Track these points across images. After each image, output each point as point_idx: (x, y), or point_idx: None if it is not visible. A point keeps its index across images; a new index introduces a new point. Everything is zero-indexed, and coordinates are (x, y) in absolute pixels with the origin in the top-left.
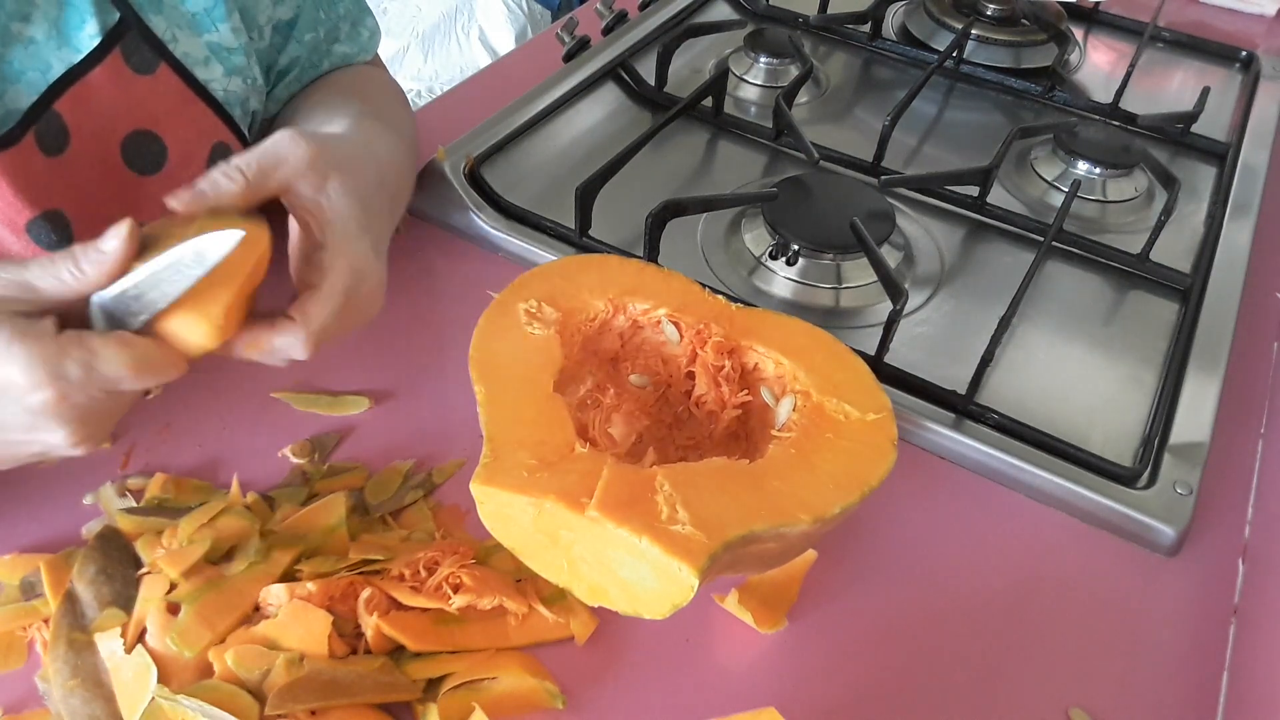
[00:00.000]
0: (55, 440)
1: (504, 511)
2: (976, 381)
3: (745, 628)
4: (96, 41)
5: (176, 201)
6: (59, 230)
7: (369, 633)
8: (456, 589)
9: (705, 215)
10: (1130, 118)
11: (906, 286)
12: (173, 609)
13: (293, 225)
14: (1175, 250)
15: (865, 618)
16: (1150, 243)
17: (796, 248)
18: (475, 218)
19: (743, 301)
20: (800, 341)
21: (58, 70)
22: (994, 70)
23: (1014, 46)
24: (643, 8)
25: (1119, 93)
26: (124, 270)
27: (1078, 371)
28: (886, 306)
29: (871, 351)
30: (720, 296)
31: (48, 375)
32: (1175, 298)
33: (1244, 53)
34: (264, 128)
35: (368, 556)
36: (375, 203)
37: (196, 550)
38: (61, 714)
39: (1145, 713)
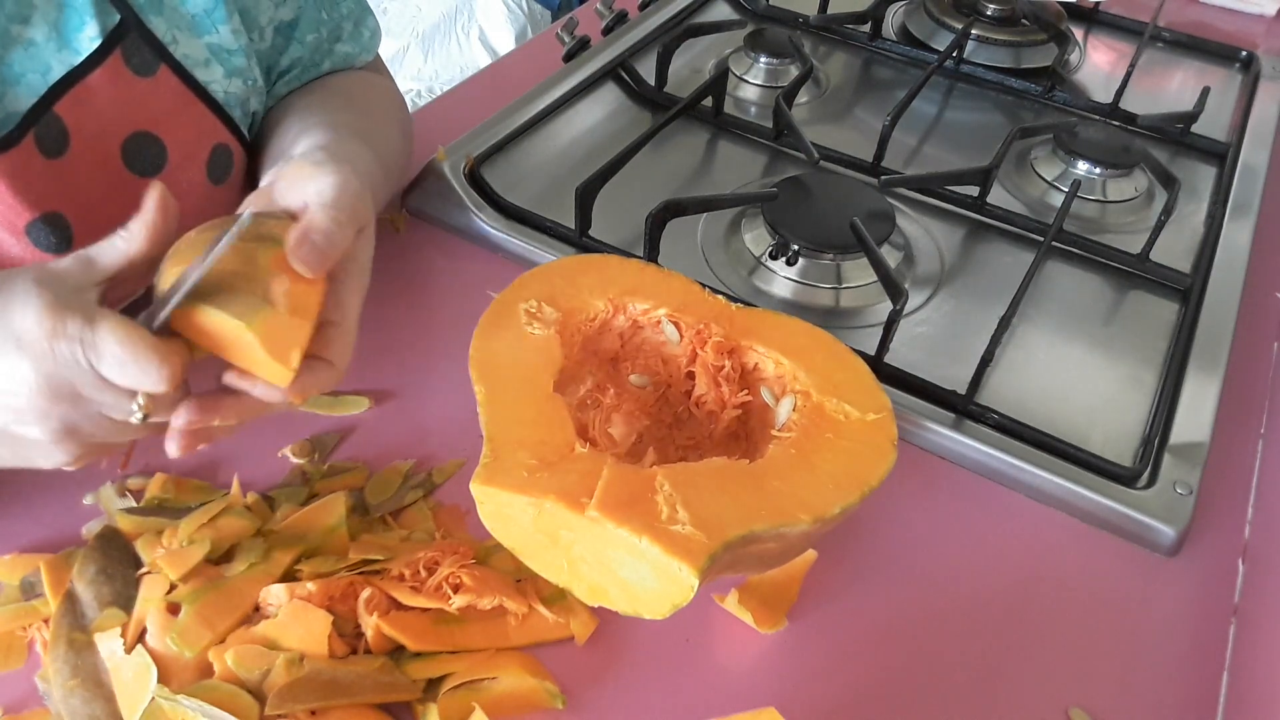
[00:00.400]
0: (21, 398)
1: (504, 511)
2: (976, 381)
3: (745, 628)
4: (97, 44)
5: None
6: (59, 232)
7: (369, 633)
8: (456, 589)
9: (705, 215)
10: (1130, 118)
11: (906, 286)
12: (173, 609)
13: None
14: (1175, 250)
15: (865, 618)
16: (1150, 243)
17: (796, 248)
18: (475, 218)
19: (743, 301)
20: (800, 341)
21: (58, 72)
22: (994, 70)
23: (1014, 46)
24: (643, 8)
25: (1119, 93)
26: (165, 226)
27: (1078, 371)
28: (886, 306)
29: (871, 351)
30: (720, 296)
31: (49, 317)
32: (1175, 298)
33: (1244, 53)
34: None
35: (368, 556)
36: None
37: (196, 550)
38: (61, 714)
39: (1145, 713)
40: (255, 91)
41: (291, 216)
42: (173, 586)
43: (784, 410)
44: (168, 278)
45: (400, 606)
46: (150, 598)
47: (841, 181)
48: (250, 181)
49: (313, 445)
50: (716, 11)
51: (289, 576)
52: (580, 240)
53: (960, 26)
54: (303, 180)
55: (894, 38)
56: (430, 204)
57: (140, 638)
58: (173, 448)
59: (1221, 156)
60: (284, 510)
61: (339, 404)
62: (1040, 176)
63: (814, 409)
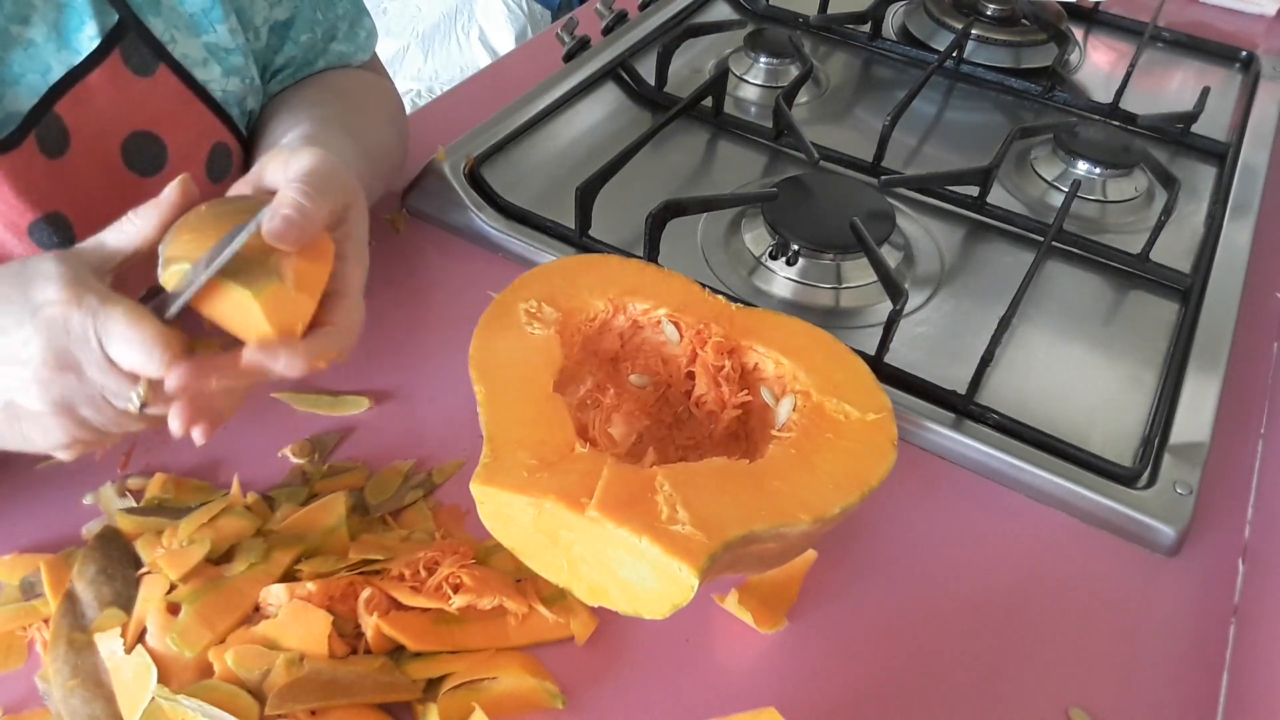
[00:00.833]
0: (28, 371)
1: (504, 511)
2: (976, 381)
3: (745, 628)
4: (96, 43)
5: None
6: (61, 232)
7: (369, 633)
8: (456, 589)
9: (705, 215)
10: (1130, 118)
11: (906, 286)
12: (173, 609)
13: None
14: (1175, 250)
15: (865, 618)
16: (1150, 243)
17: (796, 248)
18: (475, 218)
19: (743, 301)
20: (800, 341)
21: (57, 72)
22: (994, 70)
23: (1014, 46)
24: (643, 8)
25: (1119, 93)
26: (170, 218)
27: (1078, 371)
28: (886, 306)
29: (871, 351)
30: (720, 296)
31: (68, 291)
32: (1175, 298)
33: (1244, 53)
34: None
35: (368, 556)
36: None
37: (196, 551)
38: (61, 714)
39: (1145, 713)
40: (252, 90)
41: (264, 191)
42: (173, 586)
43: (784, 410)
44: (173, 251)
45: (400, 606)
46: (150, 598)
47: (841, 181)
48: None
49: (313, 445)
50: (716, 11)
51: (289, 576)
52: (580, 240)
53: (960, 26)
54: (278, 164)
55: (894, 38)
56: (430, 204)
57: (140, 638)
58: (175, 424)
59: (1221, 156)
60: (284, 510)
61: (339, 404)
62: (1040, 176)
63: (814, 409)
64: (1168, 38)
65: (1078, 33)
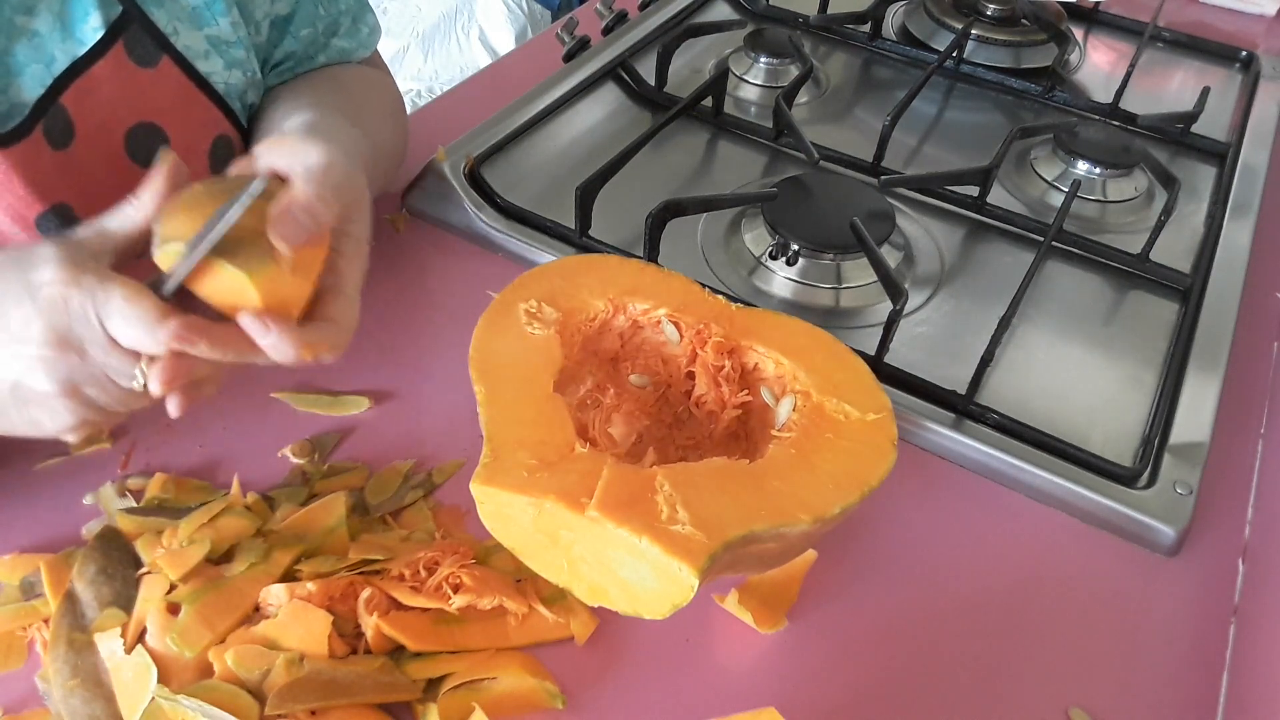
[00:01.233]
0: (31, 348)
1: (504, 511)
2: (976, 381)
3: (745, 628)
4: (100, 34)
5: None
6: (67, 224)
7: (369, 633)
8: (456, 589)
9: (705, 215)
10: (1130, 118)
11: (906, 286)
12: (173, 609)
13: None
14: (1175, 250)
15: (865, 618)
16: (1150, 243)
17: (796, 248)
18: (475, 218)
19: (743, 301)
20: (800, 341)
21: (62, 63)
22: (994, 70)
23: (1014, 46)
24: (643, 8)
25: (1119, 93)
26: (171, 190)
27: (1078, 371)
28: (886, 306)
29: (871, 351)
30: (720, 296)
31: (66, 272)
32: (1175, 298)
33: (1244, 53)
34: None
35: (368, 556)
36: None
37: (196, 551)
38: (61, 714)
39: (1145, 713)
40: (253, 84)
41: (280, 179)
42: (173, 586)
43: (784, 410)
44: (167, 230)
45: (400, 606)
46: (150, 598)
47: (841, 181)
48: None
49: (313, 445)
50: (716, 11)
51: (289, 576)
52: (580, 240)
53: (960, 26)
54: (287, 148)
55: (894, 38)
56: (430, 204)
57: (140, 638)
58: (155, 384)
59: (1221, 156)
60: (284, 510)
61: (339, 404)
62: (1040, 176)
63: (814, 409)
64: (1168, 38)
65: (1078, 33)
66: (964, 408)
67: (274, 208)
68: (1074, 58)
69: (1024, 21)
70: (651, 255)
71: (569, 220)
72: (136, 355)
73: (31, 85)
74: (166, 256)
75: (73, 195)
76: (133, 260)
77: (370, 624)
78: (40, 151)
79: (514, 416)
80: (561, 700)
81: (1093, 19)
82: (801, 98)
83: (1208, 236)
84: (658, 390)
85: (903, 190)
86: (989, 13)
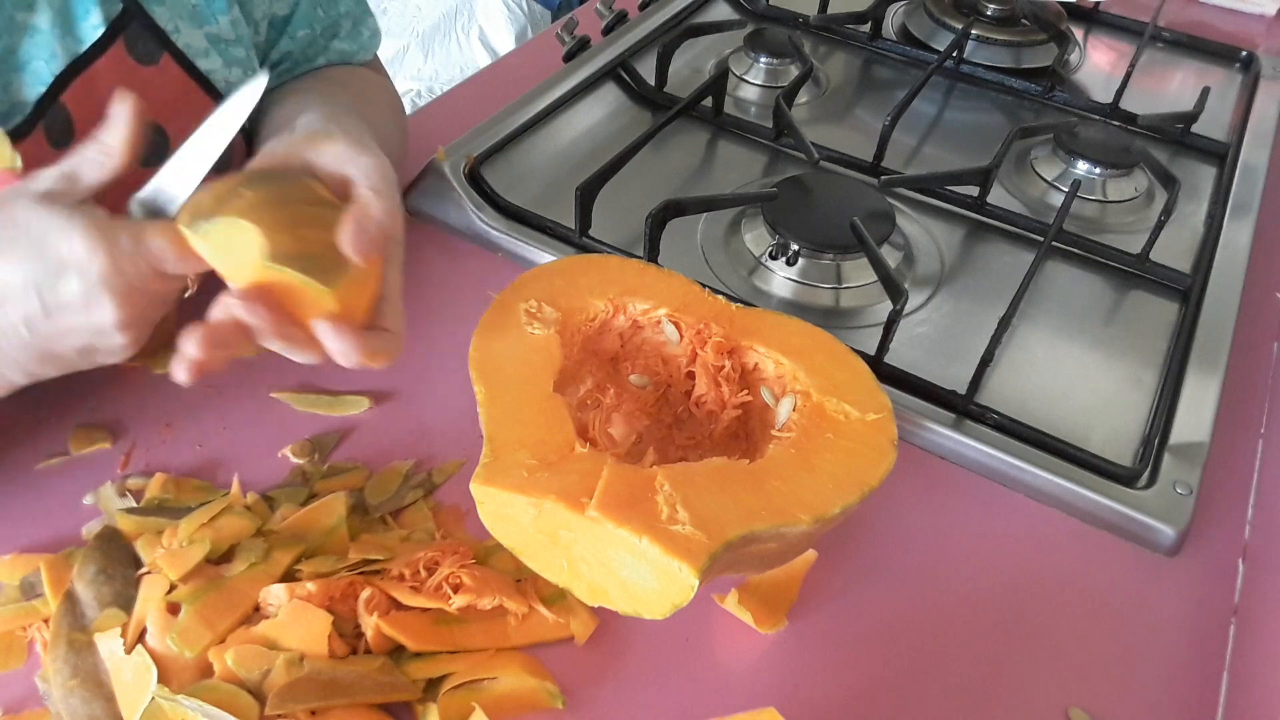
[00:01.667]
0: (106, 319)
1: (504, 511)
2: (976, 381)
3: (745, 628)
4: (100, 31)
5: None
6: None
7: (369, 633)
8: (456, 589)
9: (705, 215)
10: (1130, 118)
11: (906, 286)
12: (173, 609)
13: None
14: (1175, 250)
15: (865, 618)
16: (1150, 243)
17: (796, 248)
18: (475, 218)
19: (743, 301)
20: (800, 341)
21: (62, 59)
22: (994, 70)
23: (1014, 46)
24: (643, 8)
25: (1119, 93)
26: (137, 135)
27: (1078, 371)
28: (886, 306)
29: (871, 351)
30: (720, 296)
31: (103, 242)
32: (1175, 298)
33: (1244, 53)
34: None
35: (368, 556)
36: None
37: (196, 551)
38: (61, 714)
39: (1145, 713)
40: None
41: (312, 174)
42: (173, 586)
43: (784, 410)
44: (199, 209)
45: (400, 606)
46: (150, 598)
47: (841, 181)
48: None
49: (313, 445)
50: (716, 11)
51: (289, 576)
52: (580, 240)
53: (960, 26)
54: (335, 151)
55: (894, 38)
56: (430, 204)
57: (140, 638)
58: (191, 347)
59: (1221, 156)
60: (284, 510)
61: (339, 404)
62: (1040, 176)
63: (814, 409)
64: (1168, 38)
65: (1078, 33)
66: (964, 408)
67: (346, 224)
68: (1074, 58)
69: (1024, 21)
70: (651, 255)
71: (569, 220)
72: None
73: (33, 82)
74: (206, 237)
75: None
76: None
77: (370, 624)
78: (40, 151)
79: (514, 416)
80: (561, 700)
81: (1093, 19)
82: (801, 98)
83: (1208, 236)
84: (658, 390)
85: (903, 190)
86: (989, 13)
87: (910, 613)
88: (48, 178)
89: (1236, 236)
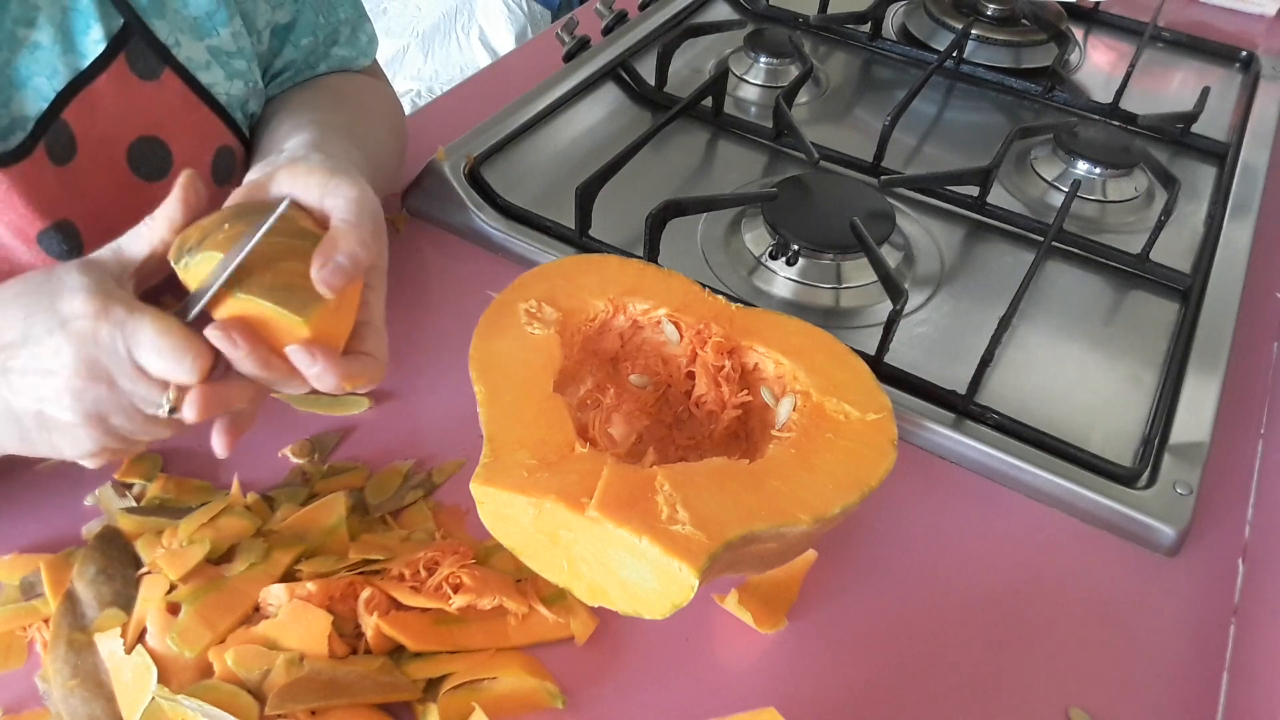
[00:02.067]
0: (59, 382)
1: (504, 511)
2: (976, 381)
3: (745, 628)
4: (101, 47)
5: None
6: (69, 240)
7: (369, 633)
8: (456, 589)
9: (705, 215)
10: (1130, 118)
11: (906, 286)
12: (173, 609)
13: None
14: (1175, 250)
15: (865, 618)
16: (1150, 243)
17: (796, 248)
18: (475, 218)
19: (743, 301)
20: (800, 341)
21: (64, 75)
22: (994, 70)
23: (1014, 46)
24: (643, 8)
25: (1119, 93)
26: (187, 218)
27: (1078, 371)
28: (886, 306)
29: (871, 351)
30: (720, 296)
31: (94, 307)
32: (1175, 298)
33: (1244, 53)
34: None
35: (368, 556)
36: None
37: (196, 551)
38: (61, 714)
39: (1145, 713)
40: (255, 93)
41: (302, 208)
42: (173, 586)
43: (784, 410)
44: (187, 246)
45: (400, 606)
46: (150, 598)
47: (841, 181)
48: None
49: (313, 445)
50: (716, 11)
51: (289, 576)
52: (580, 240)
53: (960, 26)
54: (315, 181)
55: (894, 38)
56: (430, 204)
57: (140, 638)
58: (190, 411)
59: (1221, 156)
60: (284, 510)
61: (339, 404)
62: (1040, 176)
63: (814, 409)
64: (1168, 38)
65: (1078, 33)
66: (964, 408)
67: (316, 256)
68: (1074, 58)
69: (1024, 21)
70: (651, 255)
71: (569, 220)
72: (164, 384)
73: (34, 98)
74: (188, 271)
75: (75, 211)
76: (153, 282)
77: (370, 624)
78: (42, 169)
79: (514, 416)
80: (561, 700)
81: (1093, 19)
82: (801, 98)
83: (1208, 236)
84: (658, 390)
85: (903, 190)
86: (989, 13)
87: (910, 613)
88: (103, 251)
89: (1236, 236)
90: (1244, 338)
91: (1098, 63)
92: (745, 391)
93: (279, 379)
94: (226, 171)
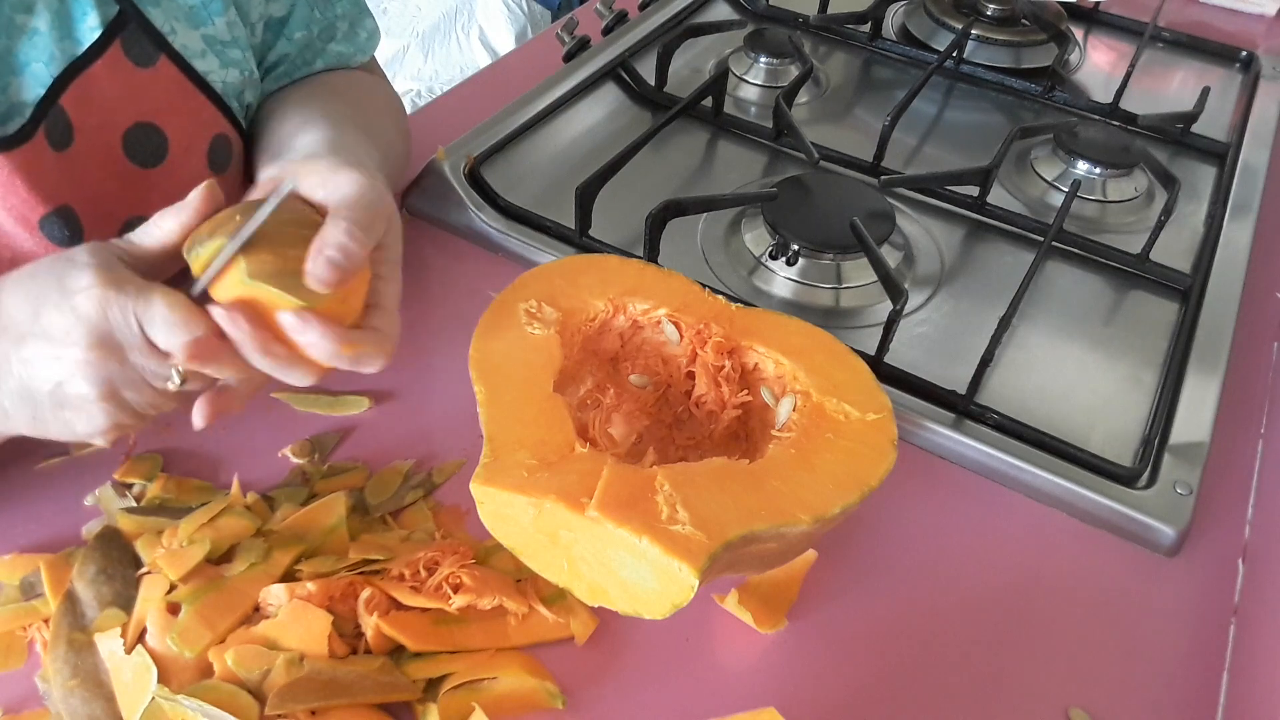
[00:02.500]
0: (74, 355)
1: (504, 511)
2: (976, 381)
3: (745, 628)
4: (98, 34)
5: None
6: (70, 225)
7: (369, 633)
8: (456, 589)
9: (705, 215)
10: (1130, 118)
11: (906, 286)
12: (173, 609)
13: None
14: (1175, 250)
15: (865, 617)
16: (1150, 243)
17: (796, 248)
18: (475, 218)
19: (743, 301)
20: (800, 341)
21: (61, 61)
22: (994, 70)
23: (1014, 46)
24: (643, 8)
25: (1119, 93)
26: (195, 221)
27: (1078, 371)
28: (886, 306)
29: (871, 351)
30: (720, 296)
31: (103, 283)
32: (1175, 298)
33: (1244, 53)
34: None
35: (368, 556)
36: None
37: (196, 551)
38: (61, 714)
39: (1145, 713)
40: (250, 83)
41: (308, 204)
42: (173, 586)
43: (784, 410)
44: (197, 238)
45: (400, 606)
46: (150, 598)
47: (841, 181)
48: (247, 174)
49: (313, 445)
50: (716, 11)
51: (289, 576)
52: (580, 240)
53: (960, 26)
54: (318, 176)
55: (894, 38)
56: (430, 204)
57: (140, 638)
58: (198, 416)
59: (1221, 156)
60: (284, 510)
61: (339, 404)
62: (1040, 176)
63: (814, 409)
64: (1168, 38)
65: (1078, 33)
66: (964, 408)
67: (310, 250)
68: (1074, 58)
69: (1024, 21)
70: (651, 255)
71: (569, 220)
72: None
73: (32, 84)
74: (197, 260)
75: (75, 197)
76: (158, 279)
77: (370, 624)
78: (42, 154)
79: (514, 416)
80: (561, 700)
81: (1093, 19)
82: (801, 98)
83: (1208, 236)
84: (658, 390)
85: (903, 190)
86: (989, 13)
87: (910, 613)
88: (115, 242)
89: (1236, 236)
90: (1244, 338)
91: (1098, 63)
92: (745, 391)
93: (281, 364)
94: (222, 160)
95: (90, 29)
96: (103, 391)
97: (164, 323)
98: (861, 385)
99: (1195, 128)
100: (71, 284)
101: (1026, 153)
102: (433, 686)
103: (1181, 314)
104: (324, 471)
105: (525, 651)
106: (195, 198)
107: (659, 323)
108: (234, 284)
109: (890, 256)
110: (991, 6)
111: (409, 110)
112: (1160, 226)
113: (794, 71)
